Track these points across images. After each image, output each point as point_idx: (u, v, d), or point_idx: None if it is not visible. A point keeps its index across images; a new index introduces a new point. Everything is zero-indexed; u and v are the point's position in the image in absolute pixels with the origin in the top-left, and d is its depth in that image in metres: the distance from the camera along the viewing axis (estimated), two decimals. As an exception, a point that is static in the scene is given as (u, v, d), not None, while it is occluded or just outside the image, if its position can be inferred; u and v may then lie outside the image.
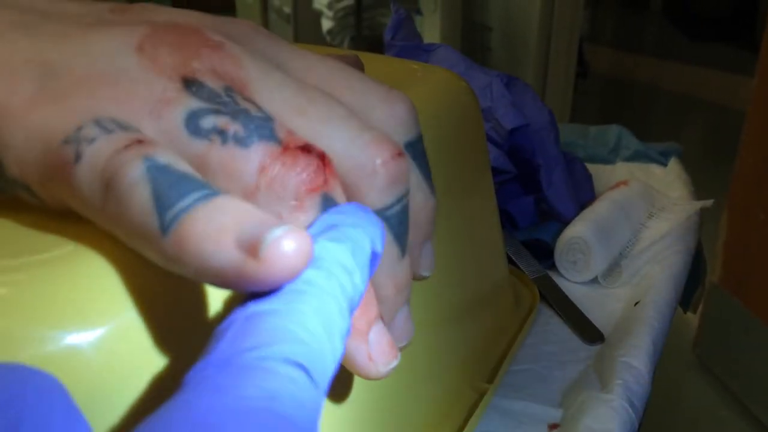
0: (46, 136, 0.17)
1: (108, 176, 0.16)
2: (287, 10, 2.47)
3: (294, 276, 0.15)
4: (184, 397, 0.13)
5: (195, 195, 0.16)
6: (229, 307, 0.16)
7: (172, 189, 0.16)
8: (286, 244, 0.15)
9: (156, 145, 0.17)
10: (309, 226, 0.18)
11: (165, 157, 0.16)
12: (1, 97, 0.18)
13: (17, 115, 0.18)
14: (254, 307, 0.16)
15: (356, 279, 0.18)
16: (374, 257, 0.19)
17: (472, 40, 2.12)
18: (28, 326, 0.16)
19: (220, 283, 0.16)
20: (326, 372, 0.15)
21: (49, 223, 0.19)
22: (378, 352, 0.21)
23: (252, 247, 0.15)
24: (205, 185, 0.16)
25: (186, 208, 0.15)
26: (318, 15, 2.31)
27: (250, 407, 0.13)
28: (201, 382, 0.13)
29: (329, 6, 2.23)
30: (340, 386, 0.27)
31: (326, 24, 2.26)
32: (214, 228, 0.15)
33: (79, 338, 0.17)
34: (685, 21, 3.08)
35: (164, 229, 0.15)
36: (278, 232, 0.15)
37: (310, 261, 0.15)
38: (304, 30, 2.44)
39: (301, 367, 0.14)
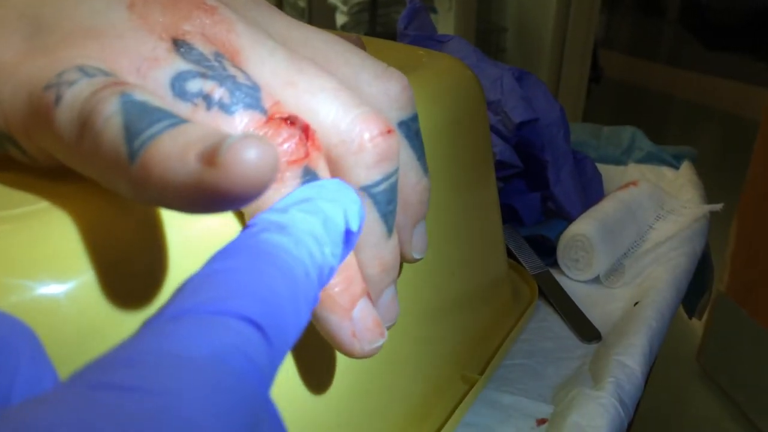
0: (30, 85, 0.17)
1: (85, 114, 0.16)
2: (302, 4, 2.47)
3: (257, 189, 0.13)
4: (131, 340, 0.13)
5: (164, 123, 0.15)
6: (200, 261, 0.16)
7: (142, 119, 0.15)
8: (246, 150, 0.13)
9: (135, 85, 0.17)
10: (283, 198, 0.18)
11: (142, 95, 0.16)
12: None
13: (7, 69, 0.18)
14: (217, 264, 0.15)
15: (326, 250, 0.17)
16: (349, 235, 0.18)
17: (487, 40, 2.11)
18: (1, 276, 0.16)
19: (183, 204, 0.14)
20: (286, 335, 0.15)
21: (27, 180, 0.19)
22: (362, 329, 0.21)
23: (211, 156, 0.14)
24: (176, 116, 0.16)
25: (154, 134, 0.15)
26: (332, 10, 2.30)
27: (193, 356, 0.12)
28: (151, 330, 0.13)
29: (344, 1, 2.22)
30: (328, 370, 0.26)
31: (340, 19, 2.26)
32: (178, 147, 0.14)
33: (51, 289, 0.17)
34: (701, 29, 3.06)
35: (132, 156, 0.15)
36: (237, 137, 0.14)
37: (275, 175, 0.14)
38: (318, 25, 2.42)
39: (255, 324, 0.14)
